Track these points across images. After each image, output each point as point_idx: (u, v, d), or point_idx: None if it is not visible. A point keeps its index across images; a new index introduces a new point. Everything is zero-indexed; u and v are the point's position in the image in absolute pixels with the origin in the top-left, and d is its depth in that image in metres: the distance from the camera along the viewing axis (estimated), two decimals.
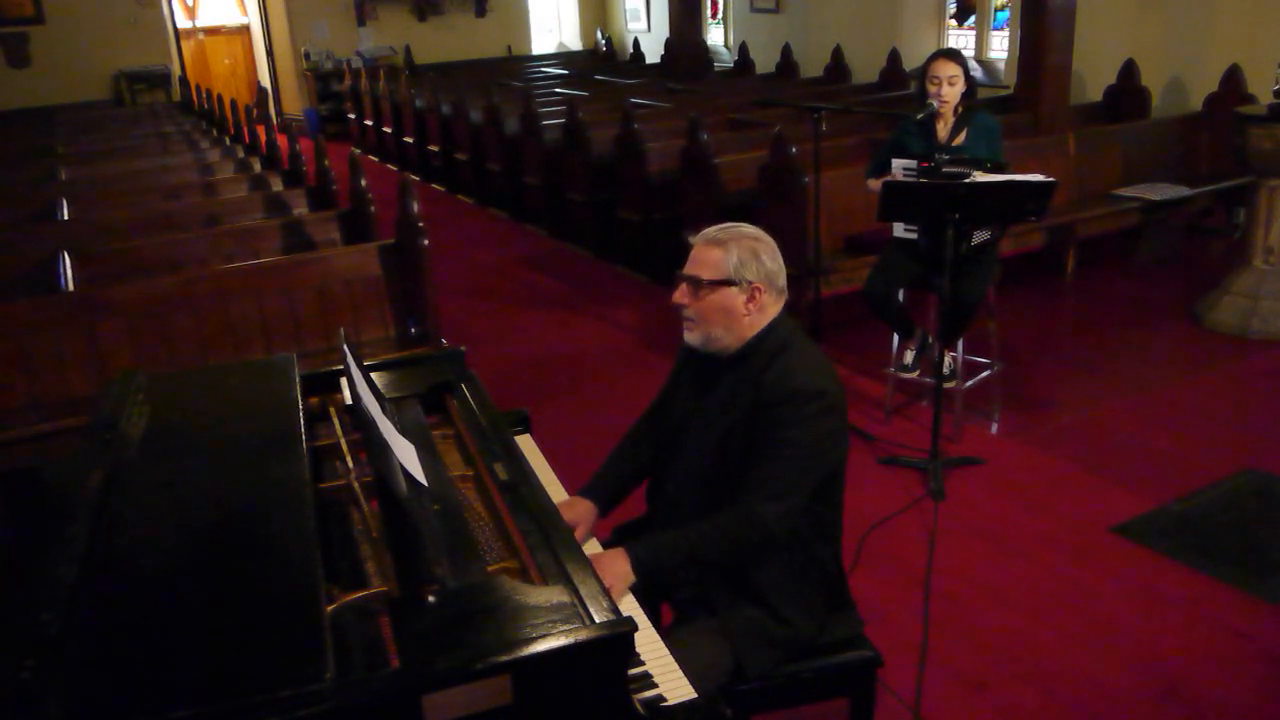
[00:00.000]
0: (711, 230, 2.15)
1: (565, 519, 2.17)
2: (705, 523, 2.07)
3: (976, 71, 9.28)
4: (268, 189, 6.04)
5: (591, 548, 2.15)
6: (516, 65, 13.96)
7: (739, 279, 2.09)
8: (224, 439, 2.16)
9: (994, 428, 4.37)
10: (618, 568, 1.99)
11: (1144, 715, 2.70)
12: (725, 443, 2.13)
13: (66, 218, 5.56)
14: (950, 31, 10.58)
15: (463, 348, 2.71)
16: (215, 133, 9.06)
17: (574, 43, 16.63)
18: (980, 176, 3.71)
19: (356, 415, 2.05)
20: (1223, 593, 3.19)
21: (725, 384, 2.17)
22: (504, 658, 1.45)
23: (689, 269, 2.14)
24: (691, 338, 2.18)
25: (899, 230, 4.23)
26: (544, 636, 1.50)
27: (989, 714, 2.74)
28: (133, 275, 4.36)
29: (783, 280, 2.16)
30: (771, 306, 2.15)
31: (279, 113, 14.43)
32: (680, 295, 2.15)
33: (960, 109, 4.15)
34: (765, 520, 2.03)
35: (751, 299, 2.11)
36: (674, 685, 1.70)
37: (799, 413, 2.04)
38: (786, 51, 10.56)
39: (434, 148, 10.15)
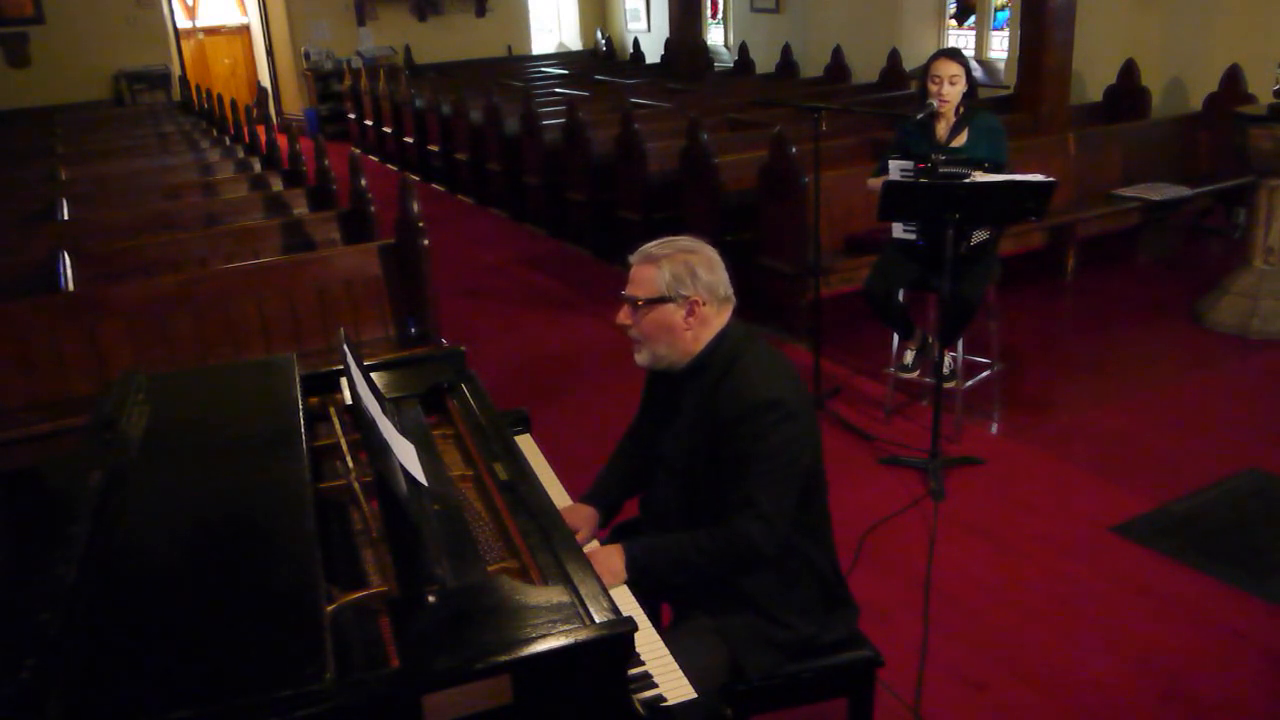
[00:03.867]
0: (647, 247, 2.14)
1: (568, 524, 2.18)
2: (701, 533, 2.07)
3: (977, 71, 9.28)
4: (268, 189, 6.04)
5: (590, 548, 2.15)
6: (516, 65, 13.95)
7: (674, 295, 2.08)
8: (224, 439, 2.16)
9: (994, 428, 4.37)
10: (612, 564, 2.01)
11: (1144, 715, 2.70)
12: (693, 462, 2.13)
13: (66, 218, 5.56)
14: (950, 31, 10.58)
15: (463, 348, 2.71)
16: (215, 133, 9.06)
17: (574, 43, 16.62)
18: (980, 177, 3.71)
19: (356, 415, 2.05)
20: (1223, 593, 3.19)
21: (686, 401, 2.17)
22: (504, 658, 1.45)
23: (627, 289, 2.14)
24: (640, 358, 2.17)
25: (898, 231, 4.23)
26: (544, 636, 1.50)
27: (989, 714, 2.74)
28: (133, 275, 4.37)
29: (725, 289, 2.13)
30: (716, 317, 2.13)
31: (279, 113, 14.42)
32: (623, 316, 2.15)
33: (962, 109, 4.14)
34: (752, 539, 2.03)
35: (691, 313, 2.09)
36: (674, 685, 1.70)
37: (758, 426, 2.03)
38: (786, 51, 10.56)
39: (434, 148, 10.15)
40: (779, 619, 2.13)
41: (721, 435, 2.06)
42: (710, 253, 2.14)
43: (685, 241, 2.14)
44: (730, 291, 2.16)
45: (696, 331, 2.12)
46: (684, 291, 2.08)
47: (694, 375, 2.14)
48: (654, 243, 2.15)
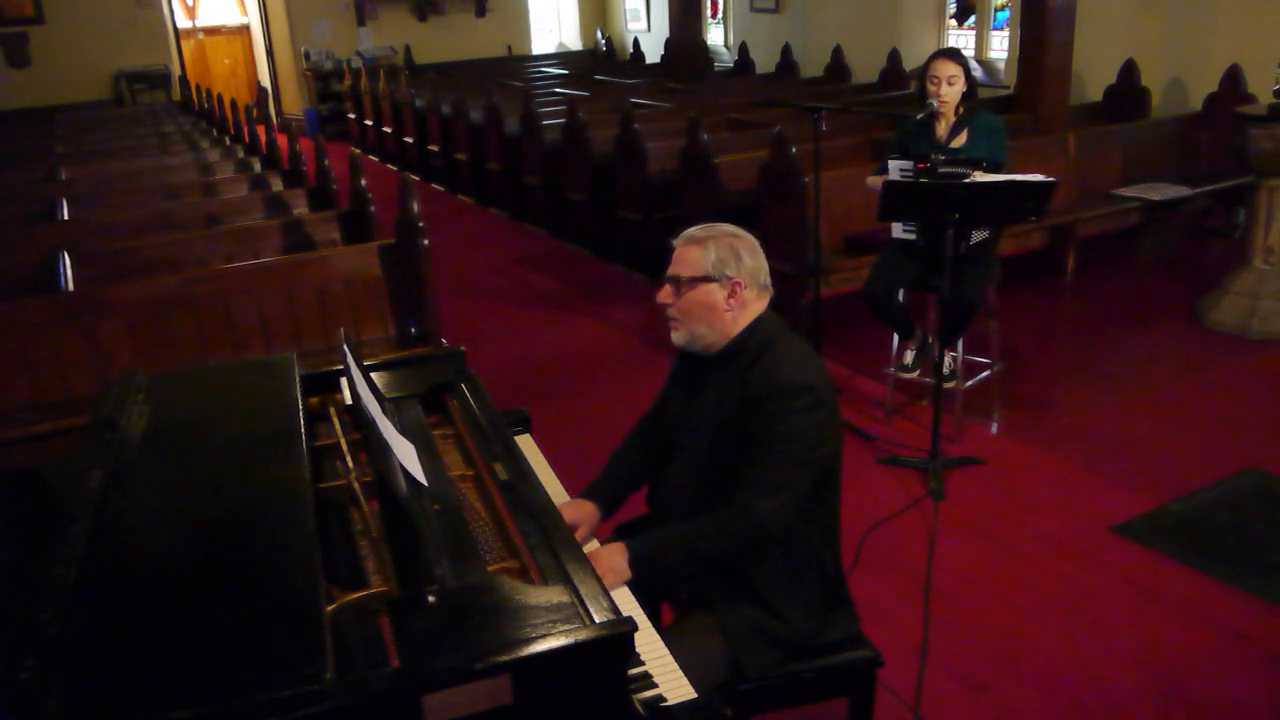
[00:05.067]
0: (692, 230, 2.19)
1: (567, 519, 2.15)
2: (702, 519, 2.08)
3: (977, 72, 9.29)
4: (268, 189, 6.04)
5: (591, 547, 2.15)
6: (516, 65, 13.96)
7: (719, 275, 2.12)
8: (224, 439, 2.16)
9: (994, 428, 4.37)
10: (614, 562, 2.00)
11: (1144, 715, 2.70)
12: (716, 443, 2.14)
13: (66, 218, 5.57)
14: (950, 31, 10.58)
15: (463, 348, 2.71)
16: (215, 133, 9.06)
17: (574, 43, 16.63)
18: (980, 176, 3.71)
19: (356, 415, 2.04)
20: (1223, 593, 3.19)
21: (714, 385, 2.18)
22: (504, 658, 1.45)
23: (671, 268, 2.18)
24: (677, 337, 2.20)
25: (898, 231, 4.23)
26: (544, 636, 1.50)
27: (989, 714, 2.74)
28: (133, 275, 4.36)
29: (765, 277, 2.18)
30: (754, 303, 2.17)
31: (279, 113, 14.43)
32: (664, 295, 2.18)
33: (961, 109, 4.15)
34: (759, 516, 2.03)
35: (732, 295, 2.13)
36: (674, 685, 1.70)
37: (786, 407, 2.05)
38: (786, 51, 10.56)
39: (434, 148, 10.15)
40: (780, 613, 2.13)
41: (748, 415, 2.08)
42: (752, 240, 2.19)
43: (729, 226, 2.19)
44: (769, 281, 2.19)
45: (736, 314, 2.14)
46: (728, 272, 2.12)
47: (727, 359, 2.16)
48: (697, 227, 2.19)
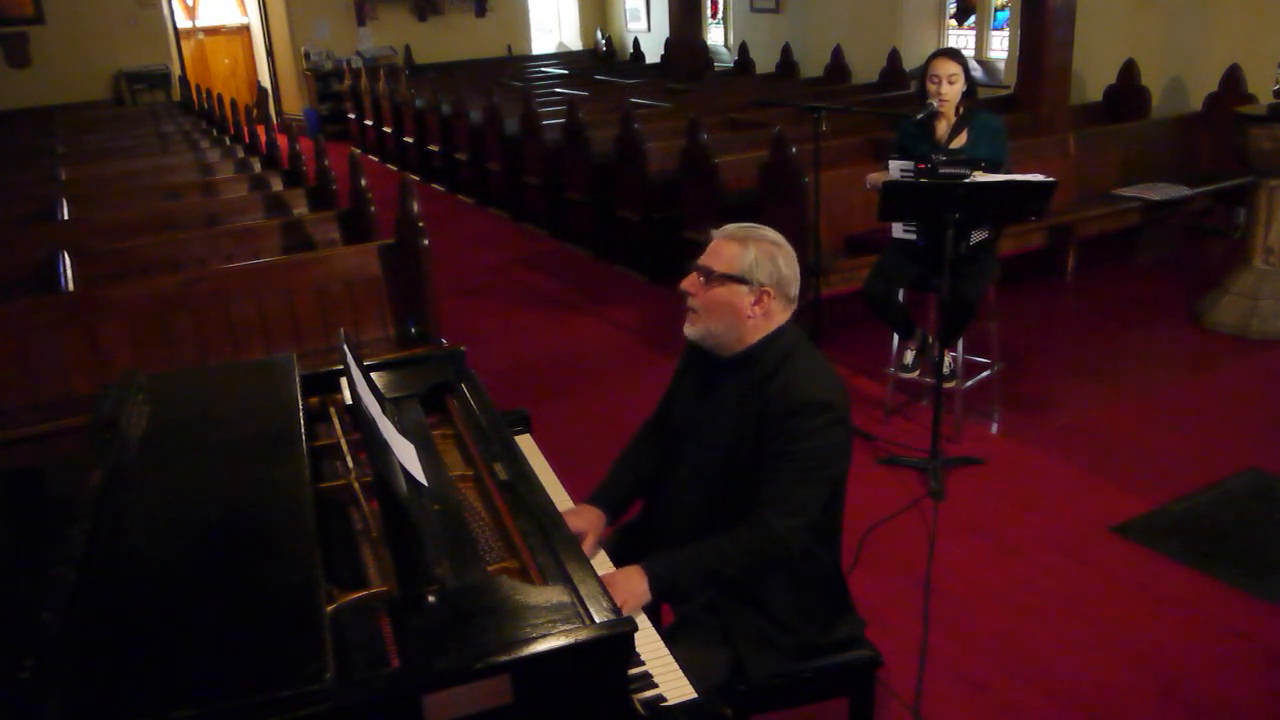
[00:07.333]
0: (733, 226, 2.15)
1: (573, 527, 2.11)
2: (722, 539, 2.05)
3: (977, 71, 9.29)
4: (268, 189, 6.04)
5: (601, 560, 2.14)
6: (516, 65, 13.97)
7: (750, 278, 2.08)
8: (224, 439, 2.15)
9: (994, 428, 4.37)
10: (633, 586, 1.97)
11: (1144, 715, 2.70)
12: (732, 453, 2.11)
13: (66, 218, 5.56)
14: (950, 31, 10.58)
15: (463, 348, 2.71)
16: (215, 133, 9.06)
17: (574, 43, 16.63)
18: (980, 177, 3.71)
19: (356, 415, 2.05)
20: (1223, 593, 3.19)
21: (727, 389, 2.15)
22: (504, 658, 1.45)
23: (703, 259, 2.13)
24: (691, 330, 2.16)
25: (897, 231, 4.23)
26: (544, 636, 1.50)
27: (989, 714, 2.74)
28: (133, 275, 4.36)
29: (795, 290, 2.14)
30: (779, 314, 2.13)
31: (279, 113, 14.43)
32: (689, 283, 2.14)
33: (962, 109, 4.14)
34: (781, 536, 2.02)
35: (759, 302, 2.09)
36: (674, 685, 1.70)
37: (808, 425, 2.03)
38: (786, 51, 10.57)
39: (434, 148, 10.15)
40: (787, 623, 2.12)
41: (767, 430, 2.05)
42: (792, 251, 2.15)
43: (771, 232, 2.15)
44: (796, 294, 2.16)
45: (758, 322, 2.11)
46: (760, 278, 2.08)
47: (742, 366, 2.13)
48: (739, 225, 2.14)
